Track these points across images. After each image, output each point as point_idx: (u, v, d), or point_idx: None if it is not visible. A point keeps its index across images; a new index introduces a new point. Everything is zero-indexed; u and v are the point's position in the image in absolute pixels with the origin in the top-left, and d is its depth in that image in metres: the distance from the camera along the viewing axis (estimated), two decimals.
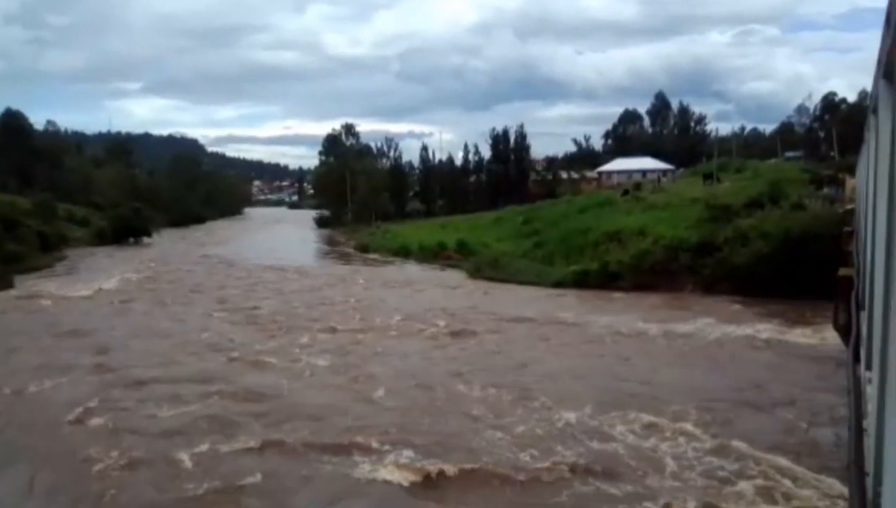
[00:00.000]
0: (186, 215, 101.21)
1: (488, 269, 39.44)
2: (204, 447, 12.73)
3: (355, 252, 59.03)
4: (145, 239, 69.84)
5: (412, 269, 45.66)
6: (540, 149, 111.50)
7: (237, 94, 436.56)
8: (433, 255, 48.44)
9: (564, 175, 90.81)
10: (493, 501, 10.93)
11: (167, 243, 67.05)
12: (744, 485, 10.92)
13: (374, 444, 12.77)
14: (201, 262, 50.51)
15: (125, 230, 69.08)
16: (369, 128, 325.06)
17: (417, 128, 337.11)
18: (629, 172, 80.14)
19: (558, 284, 34.25)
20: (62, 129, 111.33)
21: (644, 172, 77.60)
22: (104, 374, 18.08)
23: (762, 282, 28.25)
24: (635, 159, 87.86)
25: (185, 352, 20.90)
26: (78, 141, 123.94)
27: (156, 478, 11.60)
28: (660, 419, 13.97)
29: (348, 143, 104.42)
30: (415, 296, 32.88)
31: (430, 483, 11.41)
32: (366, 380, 17.56)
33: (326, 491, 11.30)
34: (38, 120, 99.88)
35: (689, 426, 13.55)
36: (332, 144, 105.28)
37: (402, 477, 11.53)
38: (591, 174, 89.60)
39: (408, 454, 12.29)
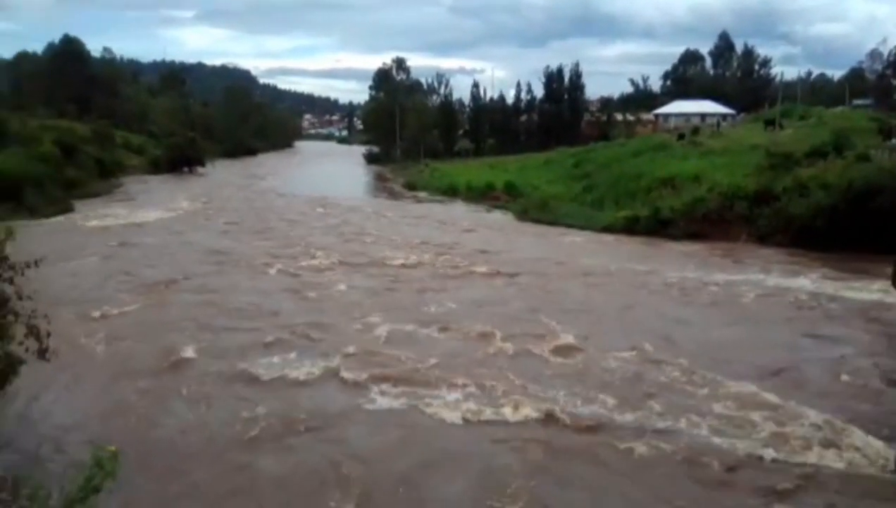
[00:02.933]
0: (239, 147, 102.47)
1: (536, 211, 39.06)
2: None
3: (402, 190, 59.17)
4: (199, 169, 71.17)
5: (458, 208, 45.53)
6: (595, 89, 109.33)
7: (289, 24, 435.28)
8: (481, 195, 48.16)
9: (619, 117, 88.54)
10: None
11: (220, 174, 68.29)
12: (795, 443, 10.77)
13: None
14: (250, 192, 51.53)
15: (180, 160, 70.43)
16: (420, 63, 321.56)
17: (469, 64, 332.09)
18: (687, 116, 77.56)
19: (607, 229, 33.73)
20: (118, 56, 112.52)
21: (703, 116, 74.97)
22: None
23: (820, 235, 27.34)
24: (695, 102, 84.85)
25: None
26: (133, 69, 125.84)
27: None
28: (698, 370, 13.84)
29: (399, 78, 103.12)
30: (450, 234, 32.87)
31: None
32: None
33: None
34: (94, 47, 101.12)
35: (729, 380, 13.37)
36: (382, 79, 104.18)
37: None
38: (648, 117, 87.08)
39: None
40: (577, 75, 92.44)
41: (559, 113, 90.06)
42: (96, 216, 35.98)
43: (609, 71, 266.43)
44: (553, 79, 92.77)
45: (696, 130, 53.50)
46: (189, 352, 14.69)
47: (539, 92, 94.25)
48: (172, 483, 9.66)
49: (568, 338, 15.84)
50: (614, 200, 38.20)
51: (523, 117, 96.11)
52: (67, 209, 38.11)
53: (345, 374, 13.53)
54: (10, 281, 9.04)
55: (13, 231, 9.24)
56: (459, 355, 14.81)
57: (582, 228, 34.69)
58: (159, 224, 34.44)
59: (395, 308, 18.52)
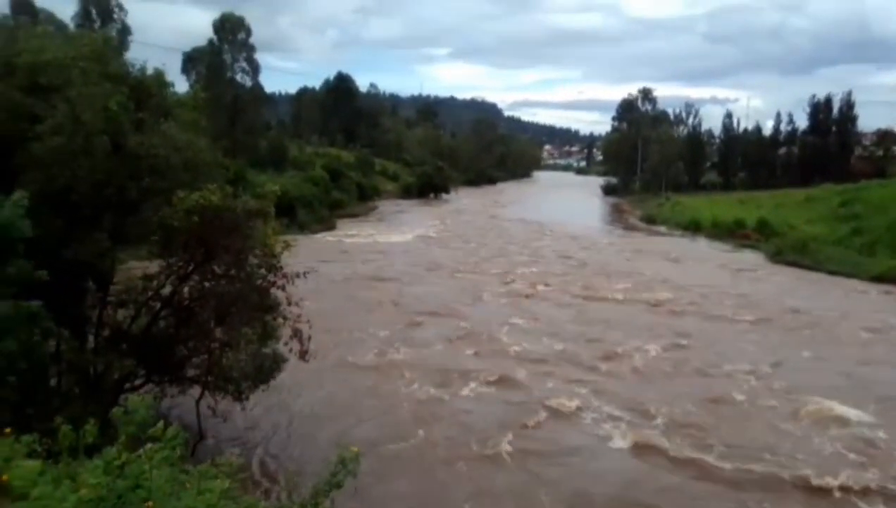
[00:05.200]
0: (480, 176, 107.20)
1: (792, 253, 35.43)
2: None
3: (640, 223, 57.34)
4: (444, 195, 75.70)
5: (700, 245, 42.93)
6: (870, 121, 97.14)
7: (536, 59, 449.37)
8: (727, 232, 44.93)
9: None
10: None
11: (461, 201, 71.88)
12: None
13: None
14: (487, 218, 53.56)
15: (428, 187, 75.69)
16: (668, 93, 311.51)
17: (721, 93, 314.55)
18: None
19: (879, 278, 29.56)
20: (381, 91, 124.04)
21: None
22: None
23: None
24: None
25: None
26: (394, 103, 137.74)
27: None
28: None
29: (644, 108, 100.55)
30: (685, 272, 30.89)
31: None
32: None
33: None
34: (362, 83, 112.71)
35: None
36: (626, 110, 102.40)
37: None
38: None
39: None
40: (848, 105, 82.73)
41: (825, 146, 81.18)
42: (354, 234, 40.08)
43: (888, 100, 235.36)
44: (819, 109, 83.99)
45: None
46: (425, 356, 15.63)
47: (802, 123, 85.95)
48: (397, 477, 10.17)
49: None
50: (890, 245, 33.41)
51: (781, 150, 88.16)
52: (331, 227, 42.82)
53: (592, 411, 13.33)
54: (283, 288, 10.18)
55: (289, 244, 10.42)
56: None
57: (847, 275, 30.82)
58: (406, 242, 37.85)
59: (599, 351, 17.91)
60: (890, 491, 10.30)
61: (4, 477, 3.78)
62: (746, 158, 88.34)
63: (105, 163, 9.23)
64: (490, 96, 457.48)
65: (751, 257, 37.25)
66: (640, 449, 11.87)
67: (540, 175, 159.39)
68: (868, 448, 11.91)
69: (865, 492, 10.32)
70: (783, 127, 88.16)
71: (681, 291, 25.81)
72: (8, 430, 4.35)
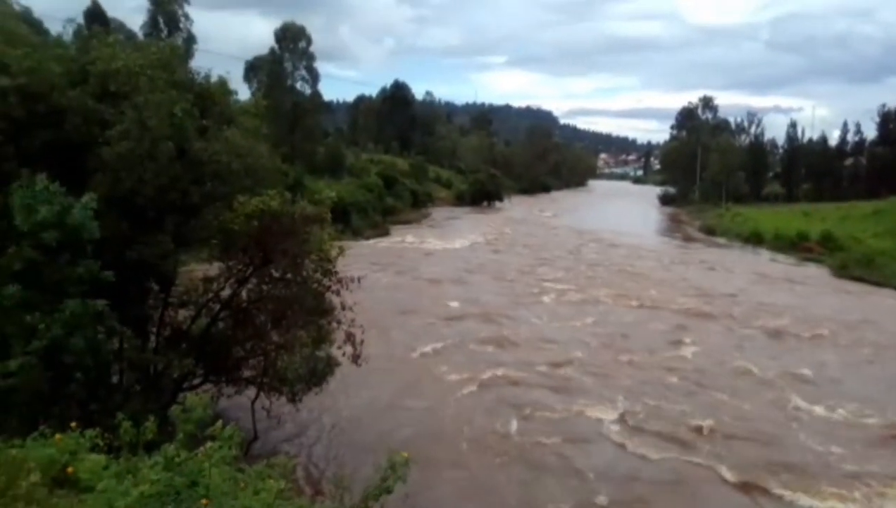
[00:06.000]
0: (534, 184, 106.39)
1: (858, 267, 34.06)
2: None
3: (698, 234, 55.99)
4: (497, 203, 75.51)
5: (762, 259, 41.62)
6: None
7: (593, 67, 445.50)
8: (790, 245, 43.47)
9: None
10: None
11: (516, 209, 71.52)
12: None
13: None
14: (540, 227, 53.15)
15: (481, 194, 75.62)
16: (729, 101, 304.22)
17: (785, 102, 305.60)
18: None
19: None
20: (437, 99, 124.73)
21: None
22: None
23: None
24: None
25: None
26: (448, 111, 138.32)
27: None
28: None
29: (704, 117, 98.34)
30: (745, 286, 29.90)
31: None
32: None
33: None
34: (418, 91, 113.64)
35: None
36: (685, 118, 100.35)
37: None
38: None
39: None
40: None
41: (895, 157, 77.89)
42: (408, 241, 40.43)
43: None
44: (890, 118, 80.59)
45: None
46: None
47: (870, 133, 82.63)
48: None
49: None
50: None
51: (848, 161, 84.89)
52: (385, 233, 43.25)
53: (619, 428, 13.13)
54: (337, 293, 10.30)
55: (343, 250, 10.54)
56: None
57: None
58: (458, 249, 38.07)
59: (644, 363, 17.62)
60: None
61: (70, 469, 3.91)
62: (811, 169, 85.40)
63: (169, 168, 9.51)
64: (546, 104, 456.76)
65: (814, 272, 35.94)
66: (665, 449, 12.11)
67: (595, 184, 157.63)
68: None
69: None
70: (850, 137, 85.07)
71: (735, 305, 25.12)
72: (74, 424, 4.51)
